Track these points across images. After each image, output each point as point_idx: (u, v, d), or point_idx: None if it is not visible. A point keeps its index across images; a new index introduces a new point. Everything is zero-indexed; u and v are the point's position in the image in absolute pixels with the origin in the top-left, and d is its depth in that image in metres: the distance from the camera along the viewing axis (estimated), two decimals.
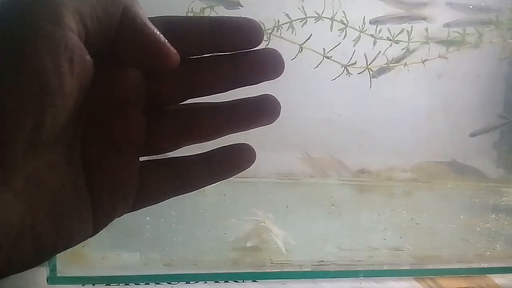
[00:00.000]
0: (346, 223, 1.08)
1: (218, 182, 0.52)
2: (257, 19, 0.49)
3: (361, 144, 1.39)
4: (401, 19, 1.12)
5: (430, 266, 0.95)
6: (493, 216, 1.13)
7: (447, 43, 1.10)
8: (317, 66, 1.02)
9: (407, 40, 1.10)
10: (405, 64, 1.07)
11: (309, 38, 1.00)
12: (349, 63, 1.01)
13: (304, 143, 1.40)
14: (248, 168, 0.55)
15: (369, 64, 1.02)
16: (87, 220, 0.38)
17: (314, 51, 1.01)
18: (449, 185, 1.37)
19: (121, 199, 0.42)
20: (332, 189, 1.32)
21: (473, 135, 1.30)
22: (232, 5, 1.09)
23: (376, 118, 1.35)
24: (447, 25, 1.11)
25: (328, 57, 1.00)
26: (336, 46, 1.00)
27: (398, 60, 1.08)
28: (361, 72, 1.04)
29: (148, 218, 1.04)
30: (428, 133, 1.39)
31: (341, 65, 1.03)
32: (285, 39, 1.03)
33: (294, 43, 1.01)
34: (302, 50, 1.00)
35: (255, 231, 0.95)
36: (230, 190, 1.27)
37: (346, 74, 1.01)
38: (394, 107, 1.34)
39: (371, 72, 1.02)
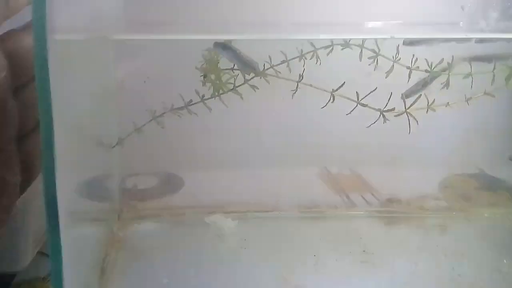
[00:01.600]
0: (382, 278, 0.99)
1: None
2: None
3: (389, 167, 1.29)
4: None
5: None
6: None
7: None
8: (350, 113, 0.91)
9: (447, 71, 0.99)
10: (447, 105, 0.95)
11: (341, 86, 0.89)
12: (385, 109, 0.90)
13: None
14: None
15: (408, 108, 0.90)
16: None
17: (347, 98, 0.90)
18: (486, 215, 1.27)
19: None
20: (361, 225, 1.22)
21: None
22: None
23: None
24: None
25: (363, 105, 0.88)
26: (371, 92, 0.89)
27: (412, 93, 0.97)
28: (398, 115, 0.93)
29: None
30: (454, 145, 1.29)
31: (376, 109, 0.92)
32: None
33: (325, 90, 0.90)
34: (333, 99, 0.89)
35: None
36: (252, 231, 1.18)
37: (384, 122, 0.91)
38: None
39: (410, 118, 0.90)
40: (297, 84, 0.97)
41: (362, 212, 1.27)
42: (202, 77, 0.97)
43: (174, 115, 1.04)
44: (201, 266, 1.02)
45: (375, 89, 0.87)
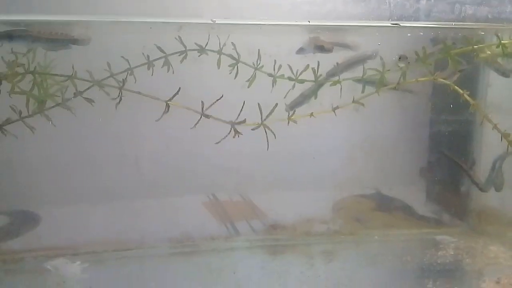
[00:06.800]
0: None
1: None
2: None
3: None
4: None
5: None
6: (430, 286, 0.92)
7: (364, 81, 0.87)
8: (194, 126, 0.75)
9: (313, 79, 0.87)
10: (311, 115, 0.82)
11: (177, 93, 0.72)
12: (237, 120, 0.75)
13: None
14: None
15: (265, 119, 0.76)
16: None
17: (189, 108, 0.75)
18: (376, 237, 1.16)
19: None
20: (239, 258, 1.06)
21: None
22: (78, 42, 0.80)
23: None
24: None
25: (206, 116, 0.73)
26: (217, 101, 0.73)
27: (298, 104, 0.84)
28: (255, 129, 0.78)
29: None
30: (350, 168, 1.18)
31: (227, 123, 0.77)
32: (144, 95, 0.75)
33: (158, 99, 0.74)
34: (168, 109, 0.73)
35: None
36: (104, 275, 0.98)
37: (234, 136, 0.75)
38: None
39: (266, 130, 0.76)
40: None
41: (242, 242, 1.11)
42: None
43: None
44: None
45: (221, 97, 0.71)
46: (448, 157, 1.15)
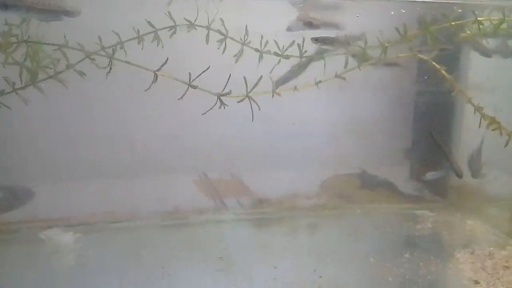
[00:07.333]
0: (234, 284, 0.86)
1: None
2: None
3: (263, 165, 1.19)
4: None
5: None
6: (407, 255, 0.96)
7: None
8: (181, 97, 0.78)
9: (298, 54, 0.90)
10: (295, 89, 0.86)
11: (165, 63, 0.75)
12: (223, 92, 0.78)
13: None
14: None
15: (250, 91, 0.79)
16: None
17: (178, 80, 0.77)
18: (358, 211, 1.20)
19: None
20: (225, 230, 1.10)
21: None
22: (70, 14, 0.82)
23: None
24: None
25: (193, 87, 0.76)
26: (203, 72, 0.76)
27: (285, 81, 0.87)
28: (240, 101, 0.81)
29: None
30: (335, 147, 1.22)
31: (214, 94, 0.80)
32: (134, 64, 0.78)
33: (147, 69, 0.77)
34: (156, 78, 0.76)
35: None
36: (92, 244, 1.01)
37: (220, 107, 0.78)
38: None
39: (251, 102, 0.79)
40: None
41: (230, 215, 1.15)
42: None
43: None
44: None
45: (208, 68, 0.74)
46: (434, 140, 1.18)
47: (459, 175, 1.12)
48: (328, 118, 1.19)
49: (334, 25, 0.95)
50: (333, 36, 0.86)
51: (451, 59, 1.10)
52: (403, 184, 1.27)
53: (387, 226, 1.11)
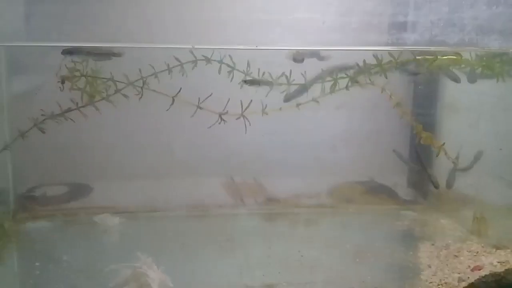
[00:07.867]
0: (235, 259, 1.13)
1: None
2: None
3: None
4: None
5: None
6: (378, 244, 1.18)
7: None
8: (192, 115, 1.06)
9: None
10: (281, 109, 1.12)
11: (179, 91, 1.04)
12: (223, 111, 1.06)
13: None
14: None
15: (244, 111, 1.06)
16: None
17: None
18: (351, 210, 1.43)
19: None
20: (237, 221, 1.37)
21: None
22: (117, 55, 1.13)
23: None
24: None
25: (200, 108, 1.04)
26: (207, 98, 1.04)
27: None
28: (238, 118, 1.08)
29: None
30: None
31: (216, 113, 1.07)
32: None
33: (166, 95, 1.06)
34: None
35: (133, 277, 0.99)
36: (133, 226, 1.31)
37: (219, 123, 1.06)
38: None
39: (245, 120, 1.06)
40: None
41: (244, 210, 1.41)
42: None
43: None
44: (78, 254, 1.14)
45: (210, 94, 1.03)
46: (417, 154, 1.38)
47: (436, 187, 1.31)
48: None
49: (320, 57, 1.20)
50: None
51: (430, 82, 1.33)
52: (399, 190, 1.48)
53: (372, 222, 1.33)
